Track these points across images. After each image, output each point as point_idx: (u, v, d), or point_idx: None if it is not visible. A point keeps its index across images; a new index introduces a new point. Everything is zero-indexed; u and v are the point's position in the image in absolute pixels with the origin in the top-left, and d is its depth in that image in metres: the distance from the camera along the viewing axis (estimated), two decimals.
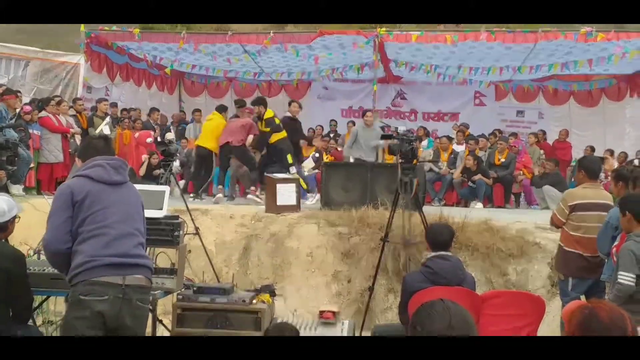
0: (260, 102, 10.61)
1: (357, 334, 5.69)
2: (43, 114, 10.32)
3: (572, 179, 10.76)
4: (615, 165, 11.39)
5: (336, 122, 15.49)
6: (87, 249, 3.63)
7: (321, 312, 5.56)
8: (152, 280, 3.97)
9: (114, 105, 13.22)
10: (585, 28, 11.28)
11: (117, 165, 3.90)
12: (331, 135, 14.76)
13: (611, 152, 12.64)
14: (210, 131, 10.85)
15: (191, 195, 10.35)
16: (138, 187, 5.69)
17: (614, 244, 5.04)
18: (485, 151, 12.26)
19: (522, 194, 12.33)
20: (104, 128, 11.08)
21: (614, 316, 2.36)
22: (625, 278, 4.47)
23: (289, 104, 11.55)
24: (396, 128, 6.68)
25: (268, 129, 10.30)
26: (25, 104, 10.41)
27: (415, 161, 6.43)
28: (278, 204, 8.25)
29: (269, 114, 10.35)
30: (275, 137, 10.30)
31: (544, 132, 14.38)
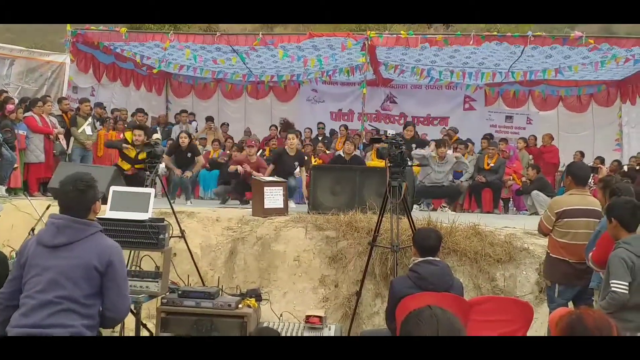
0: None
1: None
2: (28, 114, 10.25)
3: (562, 184, 10.78)
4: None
5: (324, 125, 15.43)
6: (12, 318, 3.53)
7: (307, 317, 5.54)
8: None
9: (99, 105, 12.94)
10: (575, 33, 11.32)
11: (63, 225, 3.59)
12: (319, 138, 14.70)
13: (602, 160, 12.62)
14: None
15: None
16: (123, 189, 5.66)
17: (592, 250, 5.05)
18: (473, 155, 12.28)
19: (511, 200, 12.34)
20: (86, 128, 11.03)
21: (599, 323, 2.39)
22: (619, 286, 4.43)
23: None
24: (385, 131, 6.62)
25: None
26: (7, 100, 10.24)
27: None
28: (265, 207, 8.16)
29: None
30: None
31: (535, 138, 14.41)
